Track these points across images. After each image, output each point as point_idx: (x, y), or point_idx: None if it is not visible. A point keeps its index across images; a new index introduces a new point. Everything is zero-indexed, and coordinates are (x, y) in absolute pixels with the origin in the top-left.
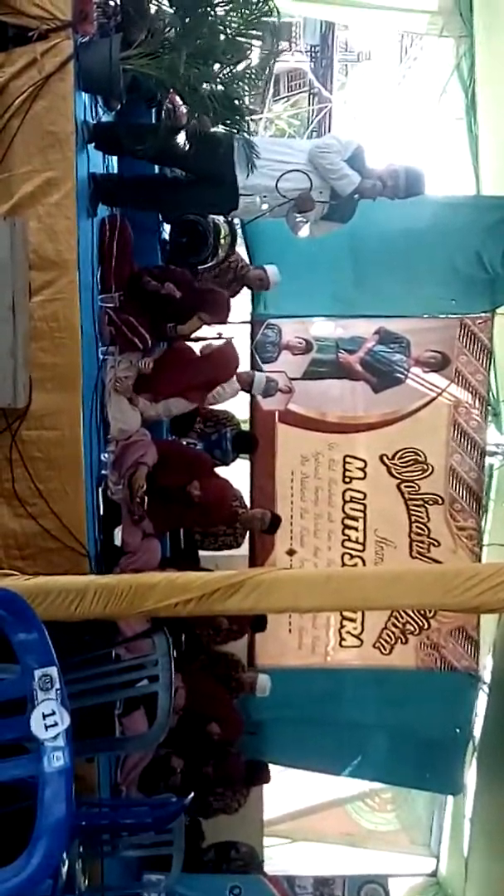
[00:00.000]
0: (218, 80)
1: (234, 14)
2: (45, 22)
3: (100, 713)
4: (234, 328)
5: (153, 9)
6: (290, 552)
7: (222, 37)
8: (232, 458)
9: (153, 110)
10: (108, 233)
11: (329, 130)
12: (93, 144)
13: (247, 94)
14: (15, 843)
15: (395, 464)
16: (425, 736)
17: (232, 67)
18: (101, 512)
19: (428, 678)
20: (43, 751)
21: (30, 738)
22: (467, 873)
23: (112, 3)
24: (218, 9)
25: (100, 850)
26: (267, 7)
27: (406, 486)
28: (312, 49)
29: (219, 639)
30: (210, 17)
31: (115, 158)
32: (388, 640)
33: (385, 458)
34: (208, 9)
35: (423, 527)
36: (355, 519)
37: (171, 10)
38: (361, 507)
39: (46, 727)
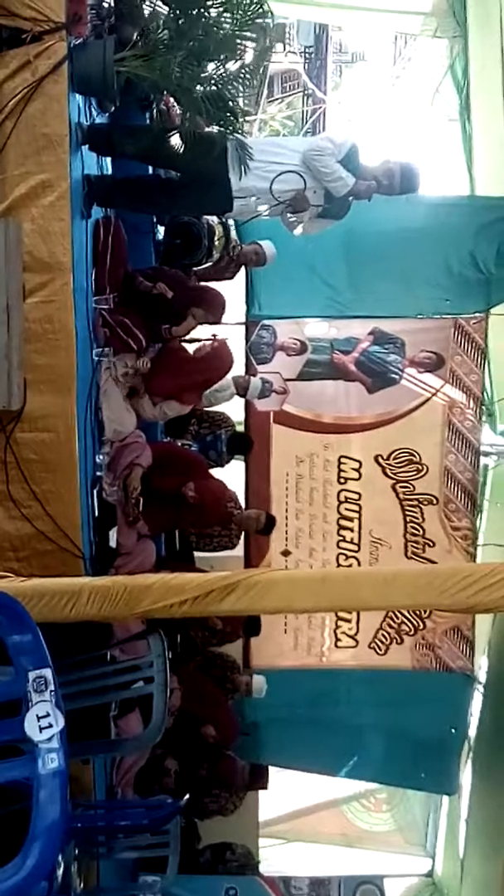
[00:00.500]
0: (211, 81)
1: (228, 15)
2: (38, 24)
3: (95, 715)
4: (229, 329)
5: (147, 10)
6: (285, 553)
7: (216, 38)
8: (227, 460)
9: (147, 112)
10: (102, 234)
11: (323, 131)
12: (87, 146)
13: (240, 95)
14: (10, 844)
15: (389, 464)
16: (421, 736)
17: (225, 68)
18: (96, 513)
19: (423, 678)
20: (37, 753)
21: (24, 739)
22: (463, 873)
23: (105, 5)
24: (211, 10)
25: (95, 852)
26: (260, 8)
27: (401, 487)
28: (306, 50)
29: (214, 640)
30: (204, 19)
31: (109, 160)
32: (384, 640)
33: (380, 459)
34: (202, 10)
35: (417, 527)
36: (350, 519)
37: (165, 12)
38: (356, 508)
39: (41, 729)
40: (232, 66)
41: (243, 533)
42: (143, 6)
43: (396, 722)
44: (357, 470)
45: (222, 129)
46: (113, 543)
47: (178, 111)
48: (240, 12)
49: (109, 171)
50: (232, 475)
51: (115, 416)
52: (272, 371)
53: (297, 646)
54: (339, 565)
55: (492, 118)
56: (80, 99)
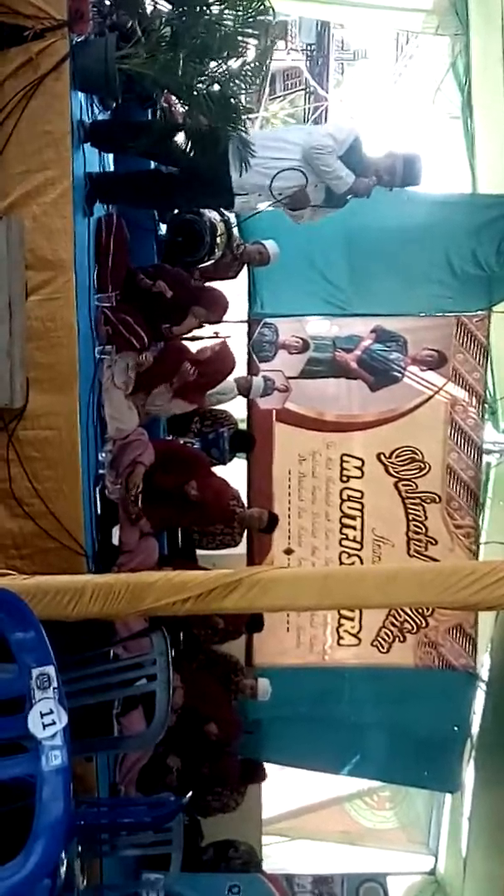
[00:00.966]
0: (214, 78)
1: (230, 12)
2: (40, 21)
3: (98, 712)
4: (231, 327)
5: (149, 8)
6: (288, 551)
7: (218, 35)
8: (229, 458)
9: (149, 110)
10: (104, 232)
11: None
12: (89, 143)
13: (243, 92)
14: (13, 842)
15: (392, 462)
16: (423, 734)
17: (227, 66)
18: (99, 511)
19: (426, 676)
20: (41, 750)
21: (28, 736)
22: (466, 871)
23: (108, 2)
24: (213, 7)
25: (98, 850)
26: (262, 5)
27: (403, 485)
28: (308, 48)
29: (216, 638)
30: (206, 16)
31: (111, 158)
32: (387, 638)
33: (382, 457)
34: (204, 7)
35: (420, 525)
36: (353, 518)
37: (167, 9)
38: (359, 506)
39: (44, 726)
40: (234, 63)
41: (246, 531)
42: (145, 3)
43: (399, 720)
44: (359, 468)
45: (224, 126)
46: (115, 541)
47: (181, 108)
48: (241, 9)
49: (111, 169)
50: (234, 473)
51: (117, 414)
52: (274, 369)
53: (299, 644)
54: (341, 563)
55: (494, 116)
56: (82, 96)
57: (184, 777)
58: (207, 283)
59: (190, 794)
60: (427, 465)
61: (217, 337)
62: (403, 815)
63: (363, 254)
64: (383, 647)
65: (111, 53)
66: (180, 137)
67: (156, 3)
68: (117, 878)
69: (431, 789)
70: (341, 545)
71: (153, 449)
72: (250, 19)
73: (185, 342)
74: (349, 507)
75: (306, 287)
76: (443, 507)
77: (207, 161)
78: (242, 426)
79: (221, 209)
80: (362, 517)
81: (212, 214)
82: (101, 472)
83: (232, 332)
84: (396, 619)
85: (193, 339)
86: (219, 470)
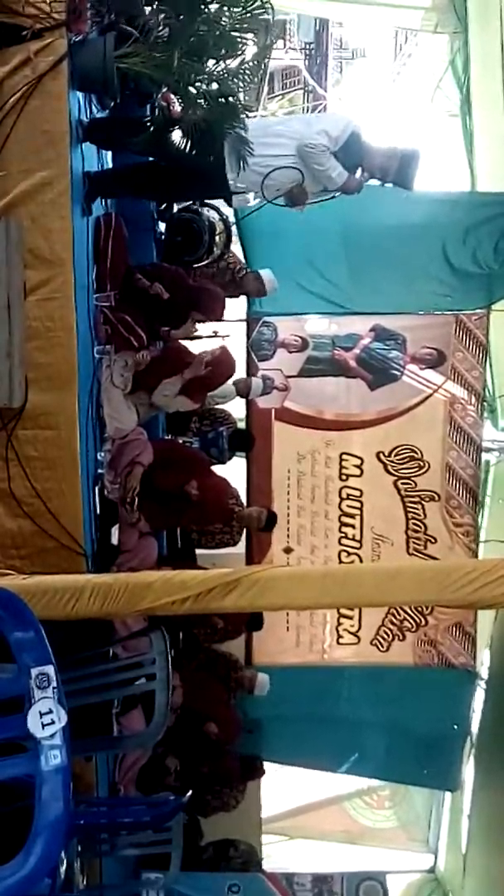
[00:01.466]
0: (212, 77)
1: (228, 11)
2: (38, 21)
3: (97, 712)
4: (230, 326)
5: (147, 6)
6: (287, 550)
7: (216, 34)
8: (228, 457)
9: (147, 108)
10: (103, 232)
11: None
12: (87, 141)
13: (241, 90)
14: (13, 841)
15: (391, 461)
16: (423, 732)
17: (226, 64)
18: (98, 511)
19: (425, 675)
20: (40, 749)
21: (27, 736)
22: (465, 869)
23: (105, 2)
24: (211, 6)
25: (98, 849)
26: (260, 4)
27: (402, 483)
28: (307, 46)
29: (216, 637)
30: (204, 15)
31: (109, 156)
32: (386, 637)
33: (381, 456)
34: (202, 6)
35: (419, 523)
36: (352, 516)
37: (165, 7)
38: (358, 505)
39: (43, 725)
40: (232, 62)
41: (245, 530)
42: (143, 2)
43: (399, 718)
44: (359, 466)
45: (222, 124)
46: (115, 541)
47: (179, 108)
48: (239, 7)
49: (110, 167)
50: (234, 472)
51: (116, 414)
52: (273, 368)
53: (299, 643)
54: (340, 562)
55: (493, 113)
56: (81, 95)
57: (183, 776)
58: (205, 283)
59: (189, 793)
60: (426, 464)
61: (216, 336)
62: (403, 814)
63: (362, 252)
64: (383, 646)
65: (109, 52)
66: (178, 135)
67: (153, 1)
68: (117, 877)
69: (431, 788)
70: (340, 544)
71: (152, 448)
72: (248, 17)
73: (185, 342)
74: (348, 506)
75: (305, 285)
76: (442, 505)
77: (206, 159)
78: (241, 425)
79: (219, 209)
80: (361, 516)
81: (210, 214)
82: (100, 471)
83: (231, 331)
84: (396, 618)
85: (192, 338)
86: (218, 469)
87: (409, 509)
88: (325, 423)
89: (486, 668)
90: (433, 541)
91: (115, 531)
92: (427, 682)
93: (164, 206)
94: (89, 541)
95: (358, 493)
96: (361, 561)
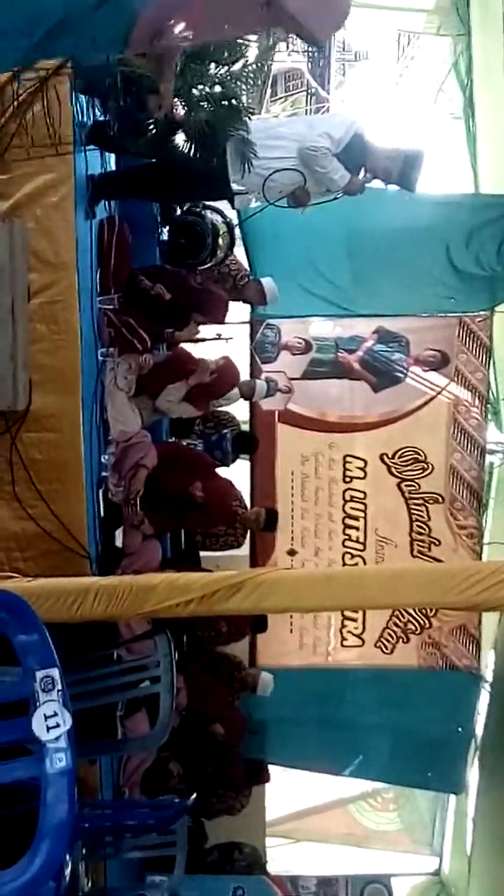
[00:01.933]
0: (215, 80)
1: None
2: None
3: (102, 715)
4: (234, 328)
5: None
6: (291, 552)
7: None
8: (232, 459)
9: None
10: (106, 234)
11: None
12: (90, 145)
13: (244, 93)
14: (18, 844)
15: (395, 463)
16: (427, 735)
17: (229, 67)
18: (102, 513)
19: (430, 677)
20: (45, 752)
21: (32, 739)
22: (470, 872)
23: None
24: None
25: (103, 852)
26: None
27: (406, 485)
28: (310, 49)
29: (220, 640)
30: None
31: (112, 161)
32: (390, 639)
33: (385, 458)
34: None
35: (423, 526)
36: (356, 518)
37: None
38: (362, 507)
39: (48, 728)
40: (235, 65)
41: (249, 532)
42: None
43: (403, 721)
44: (362, 469)
45: (225, 127)
46: (119, 543)
47: (182, 112)
48: None
49: (113, 170)
50: (237, 475)
51: (120, 416)
52: (277, 370)
53: (302, 645)
54: (344, 564)
55: (496, 116)
56: (84, 99)
57: (188, 779)
58: (208, 285)
59: (194, 796)
60: (430, 466)
61: (220, 338)
62: (407, 817)
63: (365, 254)
64: (387, 648)
65: (112, 57)
66: (181, 138)
67: None
68: (121, 880)
69: (435, 790)
70: (344, 546)
71: (156, 451)
72: None
73: (189, 346)
74: (352, 508)
75: (308, 288)
76: (446, 507)
77: (208, 163)
78: (245, 427)
79: (222, 212)
80: (365, 518)
81: (213, 216)
82: (104, 474)
83: (234, 333)
84: (400, 620)
85: (196, 340)
86: (222, 471)
87: (412, 511)
88: (329, 425)
89: (490, 671)
90: (437, 543)
91: (118, 534)
92: (431, 685)
93: (167, 208)
94: (93, 543)
95: (362, 496)
96: (365, 563)
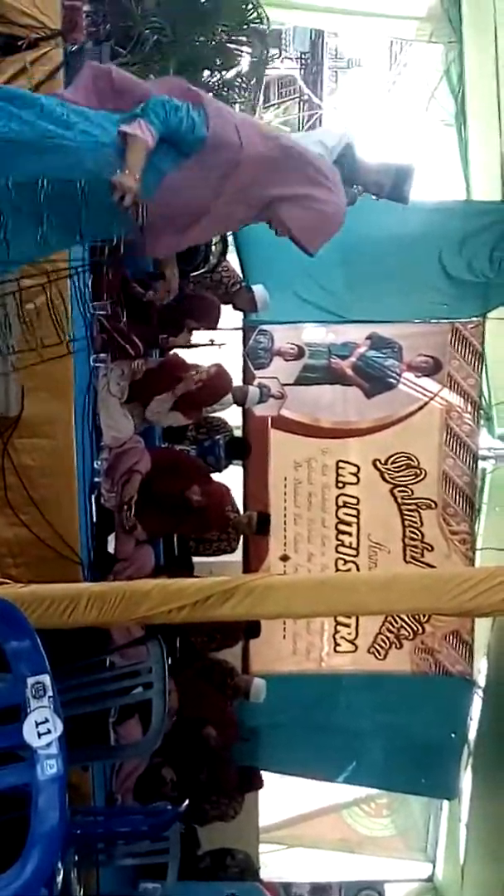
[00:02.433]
0: (208, 86)
1: (225, 22)
2: (34, 31)
3: (94, 721)
4: (226, 334)
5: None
6: (284, 558)
7: (212, 44)
8: (225, 465)
9: None
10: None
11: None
12: None
13: (237, 101)
14: (10, 851)
15: (388, 468)
16: (420, 741)
17: (222, 74)
18: (95, 520)
19: (423, 683)
20: (36, 759)
21: (23, 746)
22: (463, 878)
23: (101, 12)
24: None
25: (95, 859)
26: (256, 15)
27: (399, 491)
28: (302, 56)
29: (213, 645)
30: (200, 25)
31: None
32: (383, 644)
33: (378, 463)
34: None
35: (416, 531)
36: (349, 524)
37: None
38: (355, 512)
39: (39, 735)
40: (228, 72)
41: (242, 537)
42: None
43: (396, 726)
44: (355, 474)
45: None
46: (111, 549)
47: None
48: (235, 19)
49: None
50: (230, 480)
51: (112, 422)
52: (270, 376)
53: (296, 651)
54: (337, 570)
55: (487, 122)
56: None
57: (181, 786)
58: (200, 292)
59: (186, 802)
60: (423, 472)
61: (213, 344)
62: (401, 823)
63: (358, 261)
64: (380, 654)
65: (105, 62)
66: None
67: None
68: (114, 887)
69: (429, 796)
70: (337, 552)
71: (150, 456)
72: (244, 28)
73: (182, 352)
74: (345, 514)
75: (301, 294)
76: (439, 513)
77: None
78: (238, 433)
79: None
80: (358, 523)
81: None
82: (96, 480)
83: (227, 339)
84: (393, 626)
85: (189, 346)
86: (214, 477)
87: (405, 517)
88: (322, 431)
89: (483, 676)
90: (430, 549)
91: (111, 540)
92: (424, 691)
93: None
94: (86, 549)
95: (355, 501)
96: (358, 569)
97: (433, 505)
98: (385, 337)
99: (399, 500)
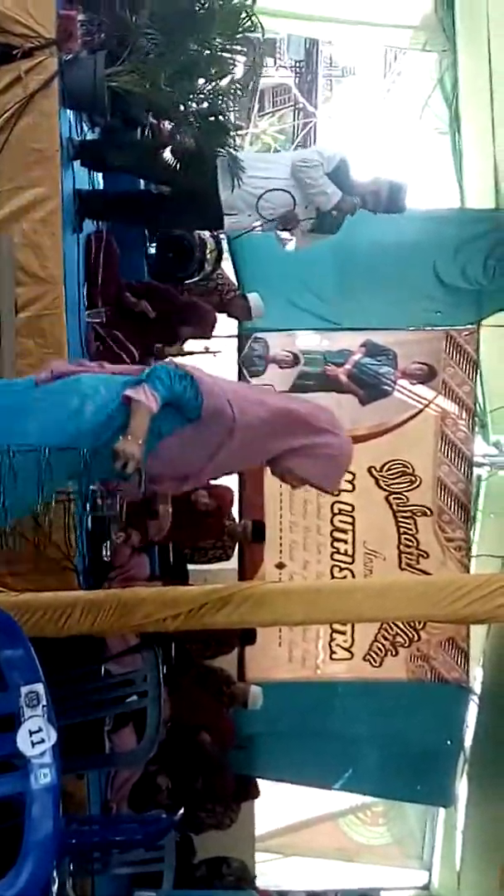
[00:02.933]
0: (202, 96)
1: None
2: (29, 40)
3: (89, 729)
4: (222, 342)
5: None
6: (280, 565)
7: (206, 53)
8: None
9: (137, 127)
10: (94, 249)
11: (314, 144)
12: (78, 161)
13: (231, 110)
14: (3, 860)
15: (383, 476)
16: (416, 748)
17: (216, 83)
18: (90, 527)
19: (418, 690)
20: (30, 768)
21: (17, 755)
22: (460, 885)
23: (96, 21)
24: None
25: (90, 868)
26: (250, 23)
27: (394, 498)
28: (297, 64)
29: (208, 653)
30: (193, 34)
31: (100, 175)
32: (379, 652)
33: (373, 471)
34: (192, 25)
35: (411, 538)
36: (344, 531)
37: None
38: (350, 520)
39: (33, 744)
40: (222, 81)
41: (237, 545)
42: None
43: (392, 734)
44: (350, 482)
45: (213, 144)
46: (106, 557)
47: (169, 127)
48: (229, 27)
49: (101, 186)
50: None
51: None
52: (265, 383)
53: (291, 658)
54: (333, 577)
55: (481, 131)
56: (71, 114)
57: (176, 794)
58: (195, 300)
59: (182, 810)
60: (418, 479)
61: (208, 352)
62: (397, 831)
63: (352, 268)
64: (375, 661)
65: (100, 72)
66: (168, 155)
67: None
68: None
69: (425, 804)
70: (333, 559)
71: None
72: (238, 37)
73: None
74: (340, 521)
75: (296, 302)
76: (434, 520)
77: (197, 180)
78: None
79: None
80: (353, 531)
81: (202, 231)
82: (92, 487)
83: (222, 347)
84: (388, 633)
85: (184, 354)
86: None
87: (401, 524)
88: None
89: (479, 683)
90: (425, 556)
91: (106, 547)
92: (420, 698)
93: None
94: (80, 557)
95: (350, 509)
96: (354, 576)
97: (428, 512)
98: (380, 344)
99: (394, 507)
